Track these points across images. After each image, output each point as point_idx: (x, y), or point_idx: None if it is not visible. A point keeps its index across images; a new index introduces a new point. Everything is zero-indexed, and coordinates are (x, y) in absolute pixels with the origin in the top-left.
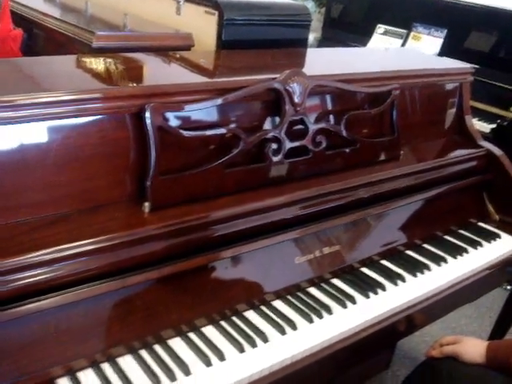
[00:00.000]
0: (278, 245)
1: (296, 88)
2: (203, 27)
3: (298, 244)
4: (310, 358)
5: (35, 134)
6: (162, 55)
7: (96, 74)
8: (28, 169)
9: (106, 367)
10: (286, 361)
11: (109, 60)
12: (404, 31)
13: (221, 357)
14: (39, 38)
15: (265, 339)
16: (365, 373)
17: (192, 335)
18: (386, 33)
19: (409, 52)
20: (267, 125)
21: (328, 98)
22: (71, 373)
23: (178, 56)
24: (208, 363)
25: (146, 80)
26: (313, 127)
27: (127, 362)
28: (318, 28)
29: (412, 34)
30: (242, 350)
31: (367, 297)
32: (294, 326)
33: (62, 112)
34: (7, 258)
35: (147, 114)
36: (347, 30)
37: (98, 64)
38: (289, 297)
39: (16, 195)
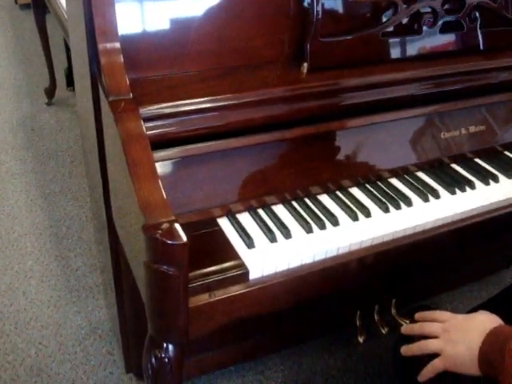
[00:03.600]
0: (427, 116)
1: None
2: None
3: (446, 119)
4: (448, 226)
5: None
6: None
7: None
8: (197, 23)
9: (261, 212)
10: (428, 224)
11: None
12: None
13: (367, 214)
14: None
15: (409, 203)
16: (486, 268)
17: (339, 193)
18: None
19: None
20: None
21: None
22: (230, 214)
23: None
24: (355, 218)
25: None
26: (470, 1)
27: (280, 209)
28: None
29: None
30: (386, 210)
31: (510, 177)
32: (437, 195)
33: None
34: (183, 99)
35: None
36: None
37: None
38: (431, 169)
39: (187, 47)
